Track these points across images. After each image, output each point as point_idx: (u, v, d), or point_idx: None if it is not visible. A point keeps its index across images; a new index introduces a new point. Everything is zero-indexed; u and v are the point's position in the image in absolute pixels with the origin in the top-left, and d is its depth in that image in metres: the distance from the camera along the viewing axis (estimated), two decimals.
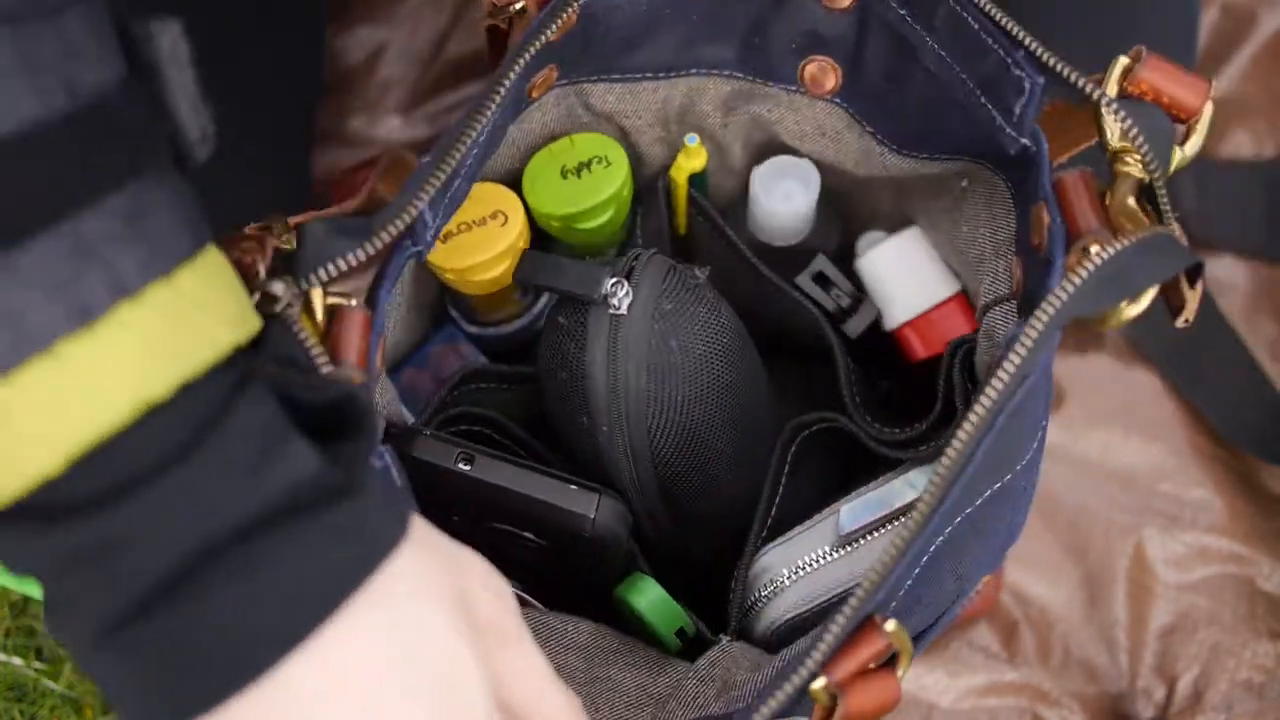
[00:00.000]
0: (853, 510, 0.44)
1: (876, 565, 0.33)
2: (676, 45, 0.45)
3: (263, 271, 0.32)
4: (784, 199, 0.50)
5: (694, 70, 0.46)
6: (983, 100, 0.39)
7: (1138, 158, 0.35)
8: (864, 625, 0.32)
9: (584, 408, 0.43)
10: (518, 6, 0.40)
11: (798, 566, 0.44)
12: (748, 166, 0.51)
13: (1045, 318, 0.32)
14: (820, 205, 0.51)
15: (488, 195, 0.46)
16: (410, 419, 0.45)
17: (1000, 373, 0.32)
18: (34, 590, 0.66)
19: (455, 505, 0.42)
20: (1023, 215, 0.41)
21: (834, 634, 0.32)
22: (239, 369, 0.28)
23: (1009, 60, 0.38)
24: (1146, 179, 0.35)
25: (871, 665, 0.33)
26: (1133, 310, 0.35)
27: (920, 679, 0.68)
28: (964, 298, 0.51)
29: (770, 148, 0.51)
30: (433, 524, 0.31)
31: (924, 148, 0.44)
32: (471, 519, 0.43)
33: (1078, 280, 0.33)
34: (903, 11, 0.41)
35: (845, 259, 0.53)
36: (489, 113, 0.37)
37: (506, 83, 0.38)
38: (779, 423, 0.49)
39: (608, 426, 0.42)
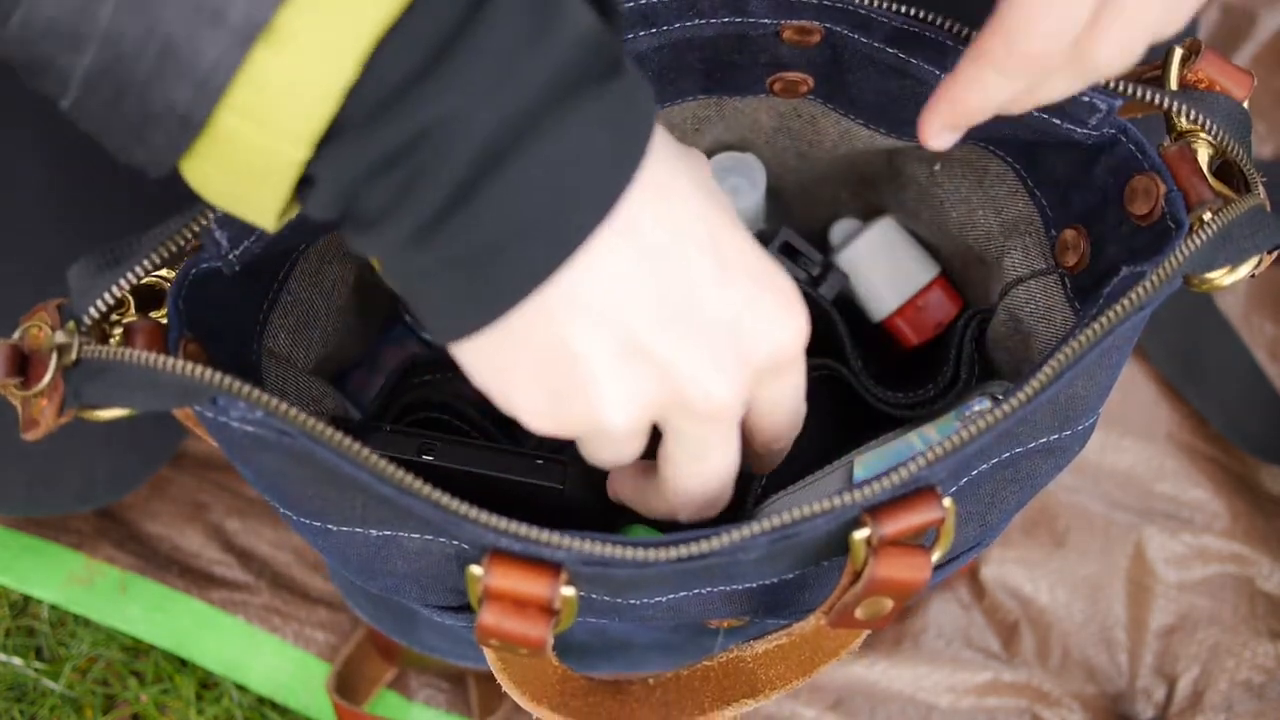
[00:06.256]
0: (867, 462, 0.45)
1: (948, 439, 0.33)
2: None
3: (53, 334, 0.33)
4: (731, 195, 0.49)
5: (658, 105, 0.46)
6: (1043, 116, 0.40)
7: (1208, 139, 0.38)
8: (923, 491, 0.33)
9: None
10: None
11: None
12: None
13: (1176, 263, 0.35)
14: (768, 199, 0.51)
15: None
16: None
17: (1127, 299, 0.34)
18: (34, 590, 0.66)
19: None
20: (1059, 193, 0.42)
21: (892, 481, 0.33)
22: None
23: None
24: (1220, 155, 0.39)
25: (917, 537, 0.33)
26: (1229, 278, 0.37)
27: (920, 679, 0.68)
28: (945, 279, 0.51)
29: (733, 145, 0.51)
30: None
31: None
32: None
33: (1210, 232, 0.36)
34: (893, 50, 0.40)
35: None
36: None
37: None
38: None
39: None
